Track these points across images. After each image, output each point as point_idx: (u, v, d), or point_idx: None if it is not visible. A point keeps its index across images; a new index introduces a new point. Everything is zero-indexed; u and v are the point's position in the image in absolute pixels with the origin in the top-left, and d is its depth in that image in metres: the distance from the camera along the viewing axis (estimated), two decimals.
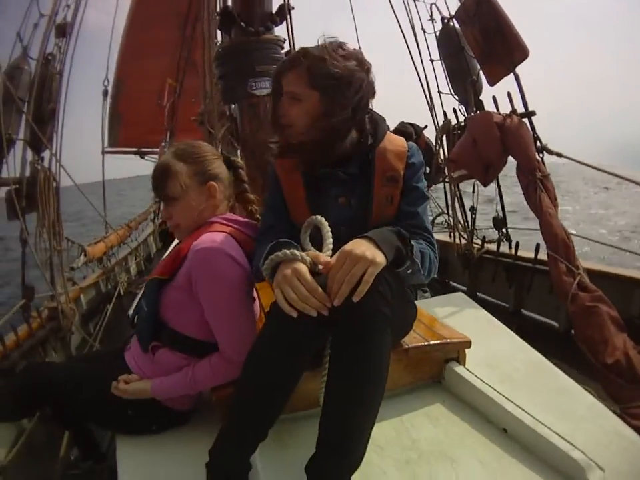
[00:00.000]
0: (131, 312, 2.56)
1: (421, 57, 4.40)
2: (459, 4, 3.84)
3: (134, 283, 6.52)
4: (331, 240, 1.35)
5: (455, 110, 4.25)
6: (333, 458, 1.25)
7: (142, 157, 10.59)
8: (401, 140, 1.67)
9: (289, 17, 3.21)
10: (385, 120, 1.67)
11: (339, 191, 1.58)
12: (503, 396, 1.64)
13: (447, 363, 1.85)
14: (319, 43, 1.50)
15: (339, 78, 1.43)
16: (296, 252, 1.24)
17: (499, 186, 4.26)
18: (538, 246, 3.59)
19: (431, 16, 4.43)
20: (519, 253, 3.88)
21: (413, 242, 1.36)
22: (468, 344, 1.83)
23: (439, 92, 4.43)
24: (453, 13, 4.09)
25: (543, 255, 3.43)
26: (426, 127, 4.57)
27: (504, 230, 4.27)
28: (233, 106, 3.36)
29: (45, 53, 3.63)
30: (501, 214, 4.33)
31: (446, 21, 4.26)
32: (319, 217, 1.42)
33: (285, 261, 1.24)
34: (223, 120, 3.98)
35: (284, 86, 1.53)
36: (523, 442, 1.50)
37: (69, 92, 4.05)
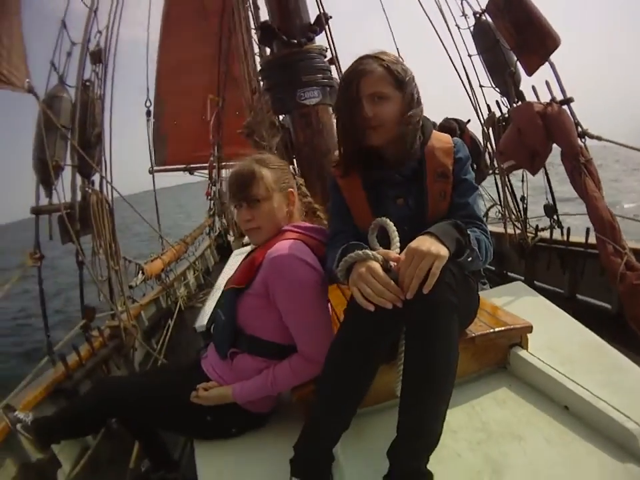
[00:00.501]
0: (198, 325, 2.73)
1: (458, 52, 4.41)
2: None
3: (194, 297, 6.59)
4: (398, 238, 1.44)
5: (497, 102, 4.27)
6: (412, 441, 1.33)
7: (191, 173, 10.78)
8: (446, 137, 1.74)
9: (327, 26, 3.29)
10: (429, 119, 1.73)
11: (395, 192, 1.67)
12: (564, 376, 1.70)
13: (511, 348, 1.93)
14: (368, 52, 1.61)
15: (409, 77, 1.56)
16: (368, 251, 1.33)
17: (546, 174, 4.24)
18: (588, 230, 3.60)
19: (463, 12, 4.42)
20: (571, 239, 3.91)
21: (468, 231, 1.44)
22: (530, 329, 1.89)
23: (480, 86, 4.42)
24: (483, 7, 4.09)
25: (593, 239, 3.46)
26: (469, 121, 4.53)
27: (555, 217, 4.25)
28: (282, 116, 3.42)
29: (82, 79, 3.68)
30: (551, 201, 4.30)
31: (478, 15, 4.26)
32: (384, 218, 1.50)
33: (358, 260, 1.33)
34: (272, 130, 4.02)
35: (366, 89, 1.56)
36: (582, 417, 1.58)
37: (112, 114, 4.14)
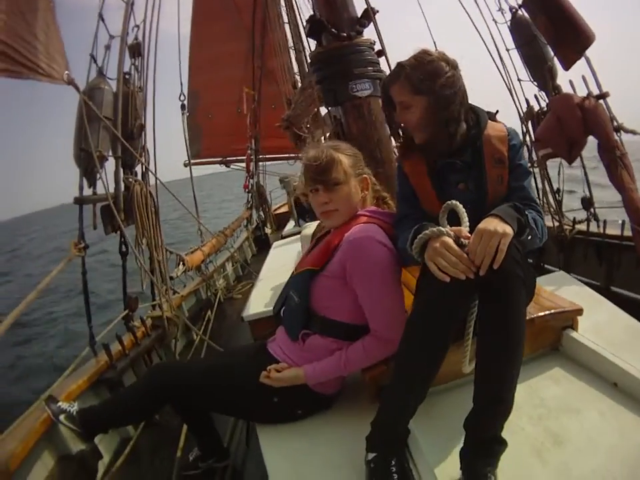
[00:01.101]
0: (246, 314, 2.91)
1: (496, 47, 4.49)
2: None
3: (232, 288, 6.61)
4: (467, 219, 1.50)
5: (536, 96, 4.30)
6: (490, 409, 1.45)
7: (227, 166, 10.84)
8: (501, 126, 1.84)
9: (374, 19, 3.32)
10: (484, 110, 1.83)
11: (457, 177, 1.78)
12: (613, 355, 1.80)
13: (564, 330, 2.01)
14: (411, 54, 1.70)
15: (432, 76, 1.63)
16: (442, 228, 1.42)
17: (584, 166, 4.25)
18: (624, 222, 3.65)
19: (500, 7, 4.45)
20: (607, 231, 3.92)
21: (526, 212, 1.53)
22: (580, 312, 1.98)
23: (519, 80, 4.47)
24: (520, 2, 4.11)
25: (628, 231, 3.54)
26: (497, 112, 4.42)
27: (592, 210, 4.24)
28: (331, 108, 3.44)
29: (122, 72, 3.72)
30: (587, 193, 4.30)
31: (514, 10, 4.27)
32: (454, 201, 1.55)
33: (433, 237, 1.42)
34: (316, 122, 3.99)
35: (394, 98, 1.75)
36: (631, 392, 1.68)
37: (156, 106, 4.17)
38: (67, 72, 2.98)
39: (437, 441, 1.61)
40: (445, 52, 1.72)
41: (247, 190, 10.28)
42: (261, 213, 10.26)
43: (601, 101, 3.45)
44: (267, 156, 10.99)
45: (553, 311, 1.92)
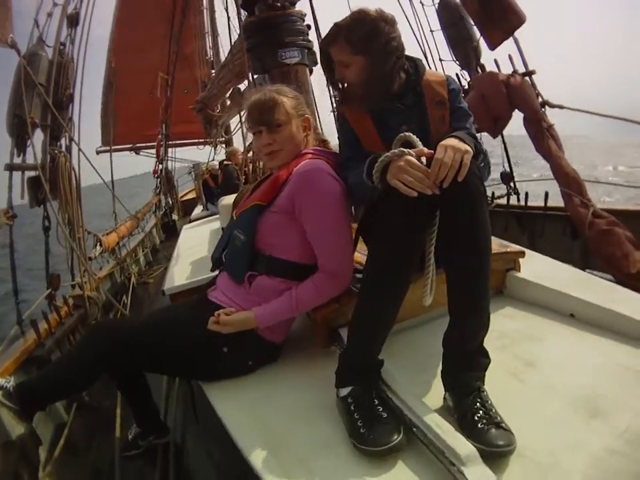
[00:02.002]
0: (167, 287, 2.65)
1: (421, 28, 4.72)
2: None
3: (144, 273, 6.46)
4: (422, 145, 1.49)
5: (457, 75, 4.43)
6: (471, 318, 1.46)
7: (137, 153, 10.51)
8: (439, 72, 1.98)
9: None
10: (421, 59, 1.89)
11: (399, 120, 1.76)
12: (567, 289, 1.88)
13: (508, 272, 2.10)
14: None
15: (371, 37, 1.67)
16: (403, 149, 1.41)
17: (504, 142, 4.41)
18: (547, 194, 3.82)
19: None
20: (529, 203, 4.09)
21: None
22: (523, 254, 2.08)
23: (440, 59, 4.68)
24: None
25: (551, 203, 3.78)
26: None
27: (512, 184, 4.41)
28: (257, 76, 3.42)
29: (60, 40, 3.58)
30: (507, 169, 4.47)
31: None
32: (407, 133, 1.53)
33: (394, 158, 1.41)
34: (232, 102, 3.98)
35: (333, 57, 1.77)
36: (589, 320, 1.78)
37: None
38: (11, 35, 2.95)
39: (410, 371, 1.59)
40: (382, 9, 1.75)
41: (155, 175, 10.12)
42: (169, 199, 10.13)
43: (527, 78, 3.63)
44: (177, 141, 10.71)
45: (496, 251, 1.90)
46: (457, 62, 4.46)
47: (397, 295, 1.47)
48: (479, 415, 1.31)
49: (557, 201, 3.69)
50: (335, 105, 2.08)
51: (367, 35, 1.67)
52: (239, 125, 4.60)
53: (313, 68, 3.29)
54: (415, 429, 1.30)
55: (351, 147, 1.85)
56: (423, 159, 1.40)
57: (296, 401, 1.57)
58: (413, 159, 1.38)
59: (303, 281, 1.73)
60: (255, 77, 3.42)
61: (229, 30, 5.67)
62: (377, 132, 1.80)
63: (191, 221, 6.01)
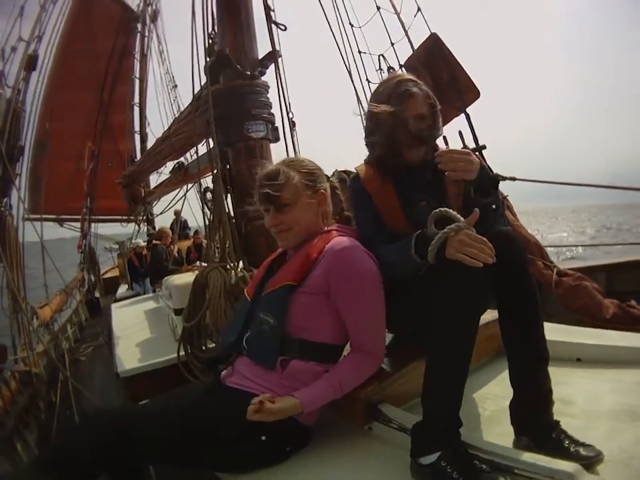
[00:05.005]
0: (121, 369, 2.60)
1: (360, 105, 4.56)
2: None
3: (75, 350, 5.96)
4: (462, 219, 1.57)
5: None
6: (541, 364, 1.56)
7: (61, 225, 9.94)
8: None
9: (277, 62, 3.31)
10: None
11: (420, 195, 1.84)
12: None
13: None
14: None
15: (435, 101, 1.82)
16: (460, 224, 1.47)
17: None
18: None
19: (379, 66, 4.61)
20: None
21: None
22: None
23: None
24: (402, 62, 4.31)
25: None
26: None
27: None
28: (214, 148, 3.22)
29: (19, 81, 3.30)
30: None
31: (392, 70, 4.44)
32: (445, 208, 1.59)
33: (450, 234, 1.46)
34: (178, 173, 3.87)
35: (412, 110, 1.77)
36: (595, 360, 2.02)
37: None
38: None
39: (474, 419, 1.69)
40: None
41: (80, 250, 9.75)
42: (92, 276, 9.67)
43: (477, 154, 3.76)
44: (100, 217, 10.19)
45: (493, 318, 1.94)
46: None
47: (472, 349, 1.53)
48: (566, 443, 1.43)
49: None
50: (349, 182, 1.99)
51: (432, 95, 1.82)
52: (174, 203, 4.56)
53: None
54: (516, 470, 1.33)
55: (374, 224, 1.86)
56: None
57: None
58: (472, 232, 1.45)
59: (335, 361, 1.70)
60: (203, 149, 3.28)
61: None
62: (402, 208, 1.85)
63: (116, 300, 5.86)
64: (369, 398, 1.74)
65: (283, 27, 3.36)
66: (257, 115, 3.08)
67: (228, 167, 3.12)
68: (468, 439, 1.49)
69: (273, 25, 3.34)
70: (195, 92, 3.11)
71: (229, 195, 3.07)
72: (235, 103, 3.08)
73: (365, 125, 1.93)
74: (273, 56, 3.29)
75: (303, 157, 1.90)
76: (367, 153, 1.93)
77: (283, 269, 1.80)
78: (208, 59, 3.11)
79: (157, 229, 9.18)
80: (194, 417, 1.59)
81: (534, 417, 1.53)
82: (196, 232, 8.46)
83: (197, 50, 2.97)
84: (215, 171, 2.89)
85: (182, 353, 2.50)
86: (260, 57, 3.30)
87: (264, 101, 3.17)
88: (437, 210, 1.58)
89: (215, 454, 1.59)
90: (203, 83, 3.11)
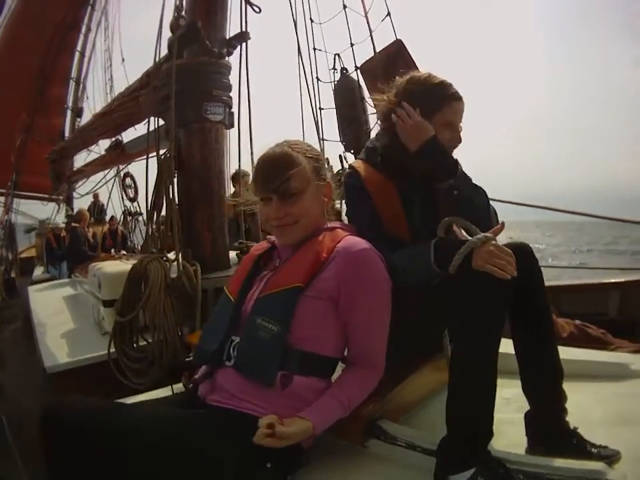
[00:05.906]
0: (50, 364, 2.45)
1: (313, 104, 4.43)
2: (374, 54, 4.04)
3: None
4: (477, 229, 1.57)
5: (340, 156, 4.28)
6: (558, 381, 1.59)
7: None
8: None
9: (245, 45, 3.14)
10: None
11: (418, 197, 1.77)
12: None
13: None
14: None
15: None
16: (487, 235, 1.45)
17: None
18: None
19: (334, 66, 4.48)
20: None
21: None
22: None
23: (323, 139, 4.46)
24: (358, 64, 4.23)
25: None
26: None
27: None
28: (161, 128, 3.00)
29: None
30: None
31: (345, 71, 4.34)
32: (454, 217, 1.60)
33: (477, 244, 1.43)
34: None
35: (451, 115, 1.71)
36: (572, 374, 1.82)
37: None
38: None
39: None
40: None
41: (0, 226, 9.25)
42: (9, 255, 9.16)
43: None
44: (23, 193, 9.55)
45: None
46: (343, 143, 4.32)
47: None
48: (587, 447, 1.46)
49: None
50: (343, 180, 1.83)
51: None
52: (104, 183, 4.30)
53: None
54: (548, 477, 1.32)
55: (373, 228, 1.73)
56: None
57: None
58: (499, 245, 1.44)
59: (330, 377, 1.52)
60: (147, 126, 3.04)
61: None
62: (403, 210, 1.75)
63: (32, 282, 5.67)
64: (371, 415, 1.60)
65: (257, 9, 3.18)
66: (217, 96, 2.88)
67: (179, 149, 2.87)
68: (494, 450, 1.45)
69: (247, 6, 3.15)
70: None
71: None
72: (197, 80, 2.86)
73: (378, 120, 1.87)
74: (243, 37, 3.10)
75: (300, 140, 1.68)
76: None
77: (286, 267, 1.56)
78: (173, 33, 2.87)
79: (74, 211, 8.87)
80: (188, 455, 1.27)
81: (558, 426, 1.55)
82: (112, 218, 8.28)
83: (162, 23, 2.75)
84: (166, 151, 2.65)
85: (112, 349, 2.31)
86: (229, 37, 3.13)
87: (226, 83, 2.99)
88: (445, 219, 1.57)
89: None
90: (158, 59, 2.89)
